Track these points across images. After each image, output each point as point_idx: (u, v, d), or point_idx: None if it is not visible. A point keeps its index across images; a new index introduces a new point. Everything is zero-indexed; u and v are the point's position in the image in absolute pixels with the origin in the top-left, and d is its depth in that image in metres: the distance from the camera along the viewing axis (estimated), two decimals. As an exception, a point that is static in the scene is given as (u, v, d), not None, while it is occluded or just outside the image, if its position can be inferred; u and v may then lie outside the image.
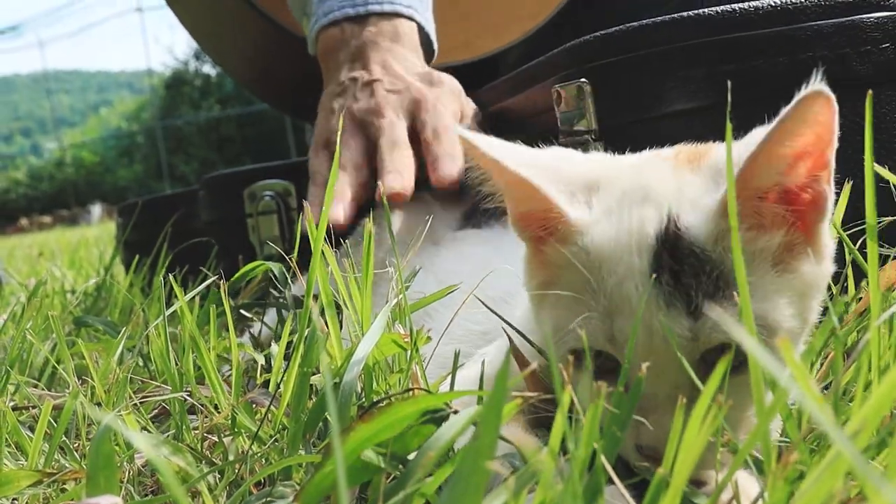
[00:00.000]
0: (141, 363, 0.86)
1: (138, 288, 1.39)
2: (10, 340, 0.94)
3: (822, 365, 0.59)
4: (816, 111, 0.46)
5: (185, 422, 0.66)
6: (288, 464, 0.53)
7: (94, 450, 0.45)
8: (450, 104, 1.08)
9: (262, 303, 1.00)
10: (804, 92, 0.45)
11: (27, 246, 4.78)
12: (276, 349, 0.71)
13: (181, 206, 1.51)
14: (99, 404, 0.72)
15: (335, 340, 0.62)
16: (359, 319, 0.65)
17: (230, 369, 0.70)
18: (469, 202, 0.99)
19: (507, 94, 1.06)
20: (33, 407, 0.78)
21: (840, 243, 0.62)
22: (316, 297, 0.61)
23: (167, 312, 0.73)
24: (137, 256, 1.43)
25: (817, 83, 0.45)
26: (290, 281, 0.86)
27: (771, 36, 0.79)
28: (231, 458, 0.60)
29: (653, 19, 0.84)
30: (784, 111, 0.46)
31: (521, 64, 1.04)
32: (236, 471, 0.57)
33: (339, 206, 1.00)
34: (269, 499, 0.51)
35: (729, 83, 0.55)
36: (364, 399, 0.59)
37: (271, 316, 0.97)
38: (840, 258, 0.56)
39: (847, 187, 0.66)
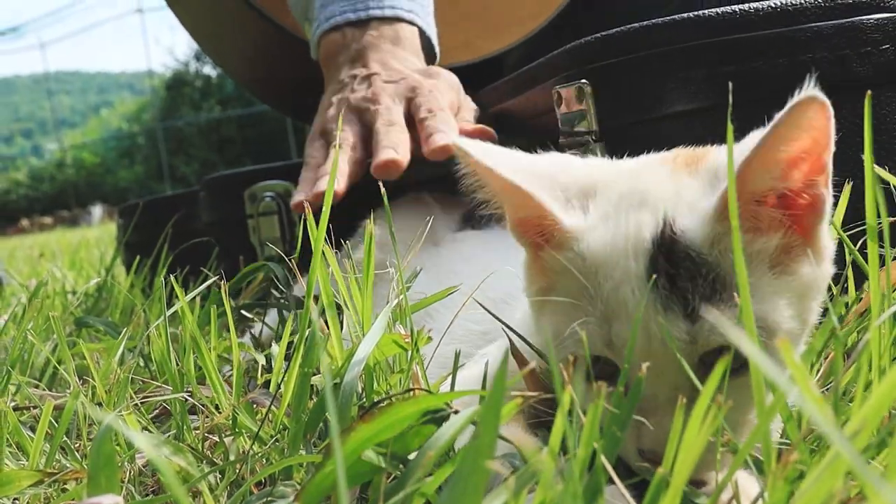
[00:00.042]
0: (142, 363, 0.86)
1: (139, 289, 1.39)
2: (12, 341, 0.94)
3: (822, 365, 0.59)
4: (811, 116, 0.46)
5: (186, 422, 0.66)
6: (289, 464, 0.53)
7: (95, 450, 0.45)
8: (446, 93, 1.08)
9: (262, 303, 1.00)
10: (798, 97, 0.45)
11: (28, 247, 4.78)
12: (277, 349, 0.71)
13: (182, 207, 1.51)
14: (100, 404, 0.72)
15: (336, 341, 0.62)
16: (359, 320, 0.65)
17: (231, 370, 0.70)
18: (468, 204, 0.99)
19: (508, 95, 1.07)
20: (34, 407, 0.78)
21: (840, 244, 0.62)
22: (317, 297, 0.61)
23: (168, 313, 0.73)
24: (138, 257, 1.43)
25: (811, 88, 0.45)
26: (290, 281, 0.86)
27: (771, 37, 0.79)
28: (232, 458, 0.60)
29: (653, 20, 0.84)
30: (778, 116, 0.46)
31: (521, 66, 1.04)
32: (237, 471, 0.57)
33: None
34: (269, 498, 0.51)
35: (730, 84, 0.55)
36: (365, 399, 0.59)
37: (272, 316, 0.97)
38: (840, 259, 0.56)
39: (847, 188, 0.66)
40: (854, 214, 0.65)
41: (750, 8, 0.81)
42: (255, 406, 0.65)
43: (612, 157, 0.62)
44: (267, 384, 0.70)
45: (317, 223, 0.62)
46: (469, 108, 1.12)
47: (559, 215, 0.51)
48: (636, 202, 0.51)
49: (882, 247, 0.53)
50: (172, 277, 0.77)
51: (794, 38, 0.79)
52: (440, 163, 0.97)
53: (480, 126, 1.06)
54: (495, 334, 0.65)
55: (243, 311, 0.96)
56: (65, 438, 0.65)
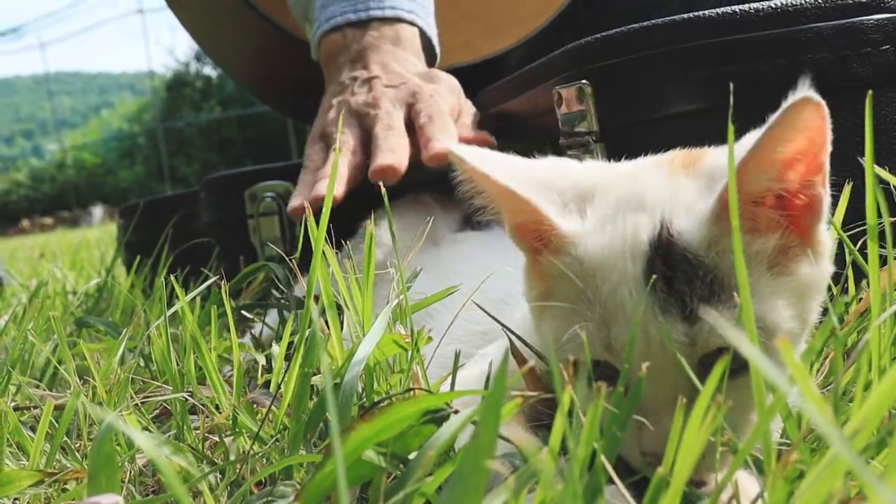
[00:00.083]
0: (142, 363, 0.86)
1: (139, 289, 1.39)
2: (12, 341, 0.94)
3: (822, 365, 0.59)
4: (806, 117, 0.46)
5: (187, 422, 0.66)
6: (289, 463, 0.53)
7: (95, 449, 0.45)
8: (447, 97, 1.09)
9: (263, 303, 1.00)
10: (792, 98, 0.45)
11: (28, 247, 4.79)
12: (277, 350, 0.71)
13: (182, 207, 1.51)
14: (100, 404, 0.72)
15: (336, 341, 0.62)
16: (360, 320, 0.65)
17: (231, 370, 0.70)
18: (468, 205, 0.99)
19: (509, 95, 1.07)
20: (35, 407, 0.78)
21: (840, 244, 0.62)
22: (317, 297, 0.61)
23: (168, 313, 0.73)
24: (139, 257, 1.43)
25: (806, 89, 0.45)
26: (291, 282, 0.86)
27: (771, 38, 0.79)
28: (232, 457, 0.60)
29: (653, 21, 0.84)
30: (773, 118, 0.46)
31: (522, 66, 1.04)
32: (237, 470, 0.57)
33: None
34: (269, 498, 0.51)
35: (731, 85, 0.55)
36: (365, 399, 0.59)
37: (273, 316, 0.97)
38: (840, 259, 0.56)
39: (847, 189, 0.66)
40: (854, 214, 0.65)
41: (750, 8, 0.81)
42: (255, 406, 0.65)
43: (612, 158, 0.62)
44: (267, 384, 0.70)
45: (316, 225, 0.62)
46: (469, 112, 1.12)
47: (556, 220, 0.51)
48: (633, 205, 0.51)
49: (882, 247, 0.53)
50: (173, 277, 0.77)
51: (795, 39, 0.79)
52: (439, 167, 0.97)
53: (480, 133, 1.06)
54: (495, 334, 0.65)
55: (244, 312, 0.96)
56: (65, 438, 0.65)
